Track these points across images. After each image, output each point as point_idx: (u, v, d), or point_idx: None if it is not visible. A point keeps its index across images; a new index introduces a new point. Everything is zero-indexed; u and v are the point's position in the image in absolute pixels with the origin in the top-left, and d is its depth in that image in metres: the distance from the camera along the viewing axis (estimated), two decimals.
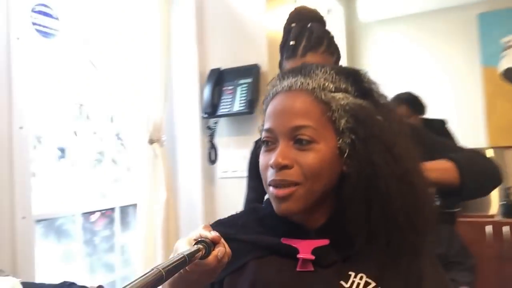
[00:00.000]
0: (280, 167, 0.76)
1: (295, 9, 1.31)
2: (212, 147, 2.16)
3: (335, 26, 3.77)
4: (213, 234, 0.67)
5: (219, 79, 2.15)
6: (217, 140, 2.18)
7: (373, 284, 0.75)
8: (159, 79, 1.85)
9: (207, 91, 2.12)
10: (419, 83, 3.38)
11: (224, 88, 2.13)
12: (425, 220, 0.79)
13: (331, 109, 0.78)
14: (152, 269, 0.52)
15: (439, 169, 1.09)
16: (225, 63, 2.18)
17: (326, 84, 0.80)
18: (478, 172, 1.12)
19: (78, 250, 1.78)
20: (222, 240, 0.69)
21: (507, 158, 3.50)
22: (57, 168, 1.78)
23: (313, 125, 0.77)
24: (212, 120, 2.18)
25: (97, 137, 1.96)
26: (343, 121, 0.77)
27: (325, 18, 1.35)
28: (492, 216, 3.34)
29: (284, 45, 1.27)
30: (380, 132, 0.77)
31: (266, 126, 0.82)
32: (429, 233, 0.82)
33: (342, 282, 0.75)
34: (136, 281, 0.48)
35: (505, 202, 3.28)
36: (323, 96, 0.78)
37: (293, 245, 0.80)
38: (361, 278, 0.75)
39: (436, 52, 3.72)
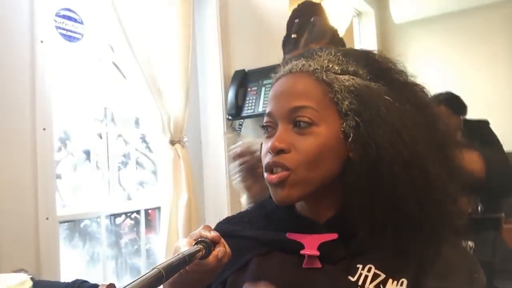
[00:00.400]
0: (276, 151, 0.72)
1: (298, 5, 1.28)
2: None
3: (366, 29, 3.70)
4: (213, 234, 0.66)
5: (244, 80, 2.13)
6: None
7: (383, 276, 0.69)
8: (180, 79, 1.84)
9: (231, 93, 2.10)
10: (458, 85, 3.24)
11: (248, 89, 2.10)
12: (443, 211, 0.71)
13: (333, 90, 0.72)
14: (152, 269, 0.52)
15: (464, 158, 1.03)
16: (249, 64, 2.15)
17: (331, 65, 0.75)
18: (504, 168, 1.04)
19: (103, 253, 1.78)
20: (222, 240, 0.67)
21: None
22: (82, 170, 1.79)
23: (313, 106, 0.72)
24: (237, 122, 2.15)
25: (122, 140, 1.97)
26: (346, 102, 0.72)
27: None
28: None
29: (286, 41, 1.24)
30: (387, 113, 0.71)
31: (267, 110, 0.78)
32: (448, 225, 0.73)
33: (350, 277, 0.69)
34: (136, 281, 0.48)
35: None
36: (324, 77, 0.73)
37: (299, 240, 0.74)
38: (369, 270, 0.69)
39: (475, 51, 3.57)
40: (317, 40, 1.18)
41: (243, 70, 2.15)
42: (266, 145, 0.76)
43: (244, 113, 2.06)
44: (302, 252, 0.72)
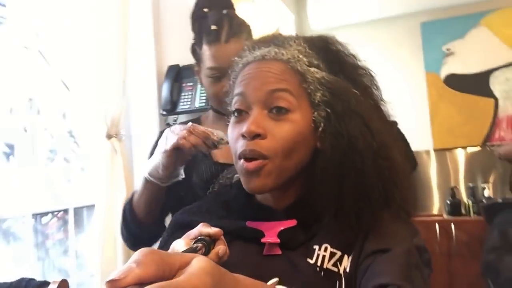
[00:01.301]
0: (252, 136, 0.72)
1: None
2: None
3: (286, 32, 3.83)
4: (215, 230, 0.65)
5: (178, 76, 2.10)
6: None
7: (339, 253, 0.72)
8: (116, 72, 1.76)
9: (165, 88, 2.05)
10: None
11: (183, 85, 2.07)
12: (404, 196, 0.77)
13: (307, 81, 0.75)
14: None
15: None
16: (184, 60, 2.12)
17: (301, 56, 0.77)
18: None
19: (29, 254, 1.64)
20: (222, 237, 0.67)
21: (450, 159, 3.68)
22: (5, 165, 1.64)
23: (291, 90, 0.74)
24: (172, 118, 2.11)
25: (48, 133, 1.83)
26: (319, 94, 0.75)
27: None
28: (440, 215, 3.49)
29: (200, 30, 1.23)
30: (357, 106, 0.75)
31: (238, 90, 0.77)
32: (407, 208, 0.79)
33: (308, 259, 0.72)
34: None
35: (450, 201, 3.44)
36: (298, 67, 0.75)
37: (259, 228, 0.76)
38: (325, 250, 0.72)
39: (383, 58, 3.86)
40: (237, 34, 1.19)
41: (177, 65, 2.12)
42: (238, 129, 0.75)
43: (180, 109, 2.03)
44: (263, 240, 0.74)
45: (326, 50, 0.80)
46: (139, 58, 2.14)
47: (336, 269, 0.70)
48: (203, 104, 1.98)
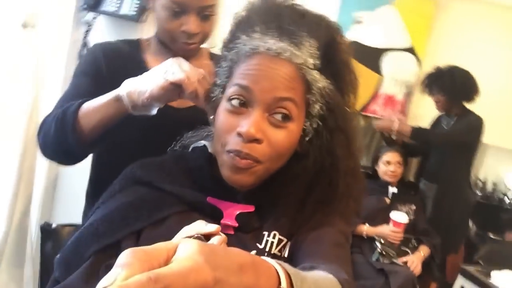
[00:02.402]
0: (251, 140, 0.72)
1: None
2: (85, 46, 1.85)
3: None
4: (213, 227, 0.55)
5: None
6: (92, 41, 1.87)
7: (285, 240, 0.78)
8: None
9: None
10: None
11: None
12: (358, 204, 0.86)
13: (311, 92, 0.76)
14: None
15: None
16: None
17: (311, 60, 0.76)
18: None
19: None
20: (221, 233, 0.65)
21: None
22: None
23: (297, 101, 0.75)
24: (91, 15, 1.85)
25: None
26: (317, 106, 0.77)
27: None
28: None
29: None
30: (345, 126, 0.80)
31: (242, 82, 0.74)
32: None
33: (258, 244, 0.76)
34: None
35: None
36: (307, 76, 0.75)
37: (218, 206, 0.78)
38: (274, 236, 0.77)
39: None
40: None
41: None
42: (232, 121, 0.74)
43: (103, 8, 1.78)
44: (222, 221, 0.76)
45: (328, 49, 0.79)
46: None
47: (280, 254, 0.77)
48: (133, 13, 1.77)
